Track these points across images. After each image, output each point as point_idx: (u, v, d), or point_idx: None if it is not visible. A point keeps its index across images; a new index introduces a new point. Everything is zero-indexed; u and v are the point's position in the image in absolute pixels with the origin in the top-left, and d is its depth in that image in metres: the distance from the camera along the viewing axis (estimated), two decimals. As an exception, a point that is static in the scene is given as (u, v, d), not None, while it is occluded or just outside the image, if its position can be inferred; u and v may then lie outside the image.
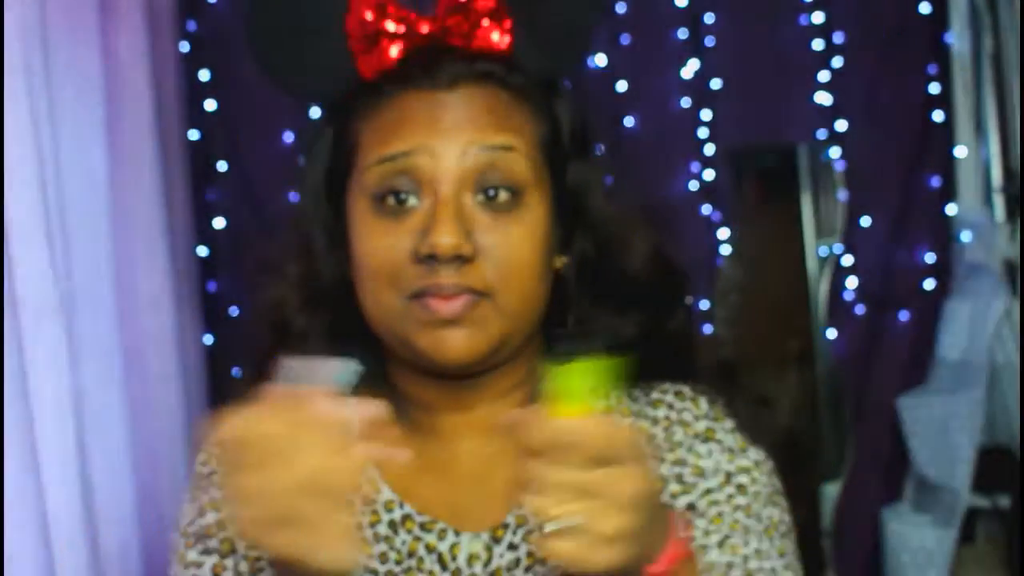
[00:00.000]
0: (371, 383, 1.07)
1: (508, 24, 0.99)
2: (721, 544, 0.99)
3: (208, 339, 2.59)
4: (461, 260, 0.92)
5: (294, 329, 1.03)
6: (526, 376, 1.04)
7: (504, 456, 1.01)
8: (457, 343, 0.94)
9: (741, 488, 1.02)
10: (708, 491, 1.01)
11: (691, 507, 1.00)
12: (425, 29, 0.98)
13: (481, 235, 0.94)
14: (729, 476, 1.01)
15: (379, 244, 0.95)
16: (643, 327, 1.04)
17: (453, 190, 0.93)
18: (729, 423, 1.04)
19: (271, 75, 1.02)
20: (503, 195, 0.95)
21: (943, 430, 2.77)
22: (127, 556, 1.85)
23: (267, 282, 1.06)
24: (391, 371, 1.04)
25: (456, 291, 0.93)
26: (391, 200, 0.95)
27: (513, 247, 0.95)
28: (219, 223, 2.72)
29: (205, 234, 2.66)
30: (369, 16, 0.98)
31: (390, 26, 0.98)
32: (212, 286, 2.70)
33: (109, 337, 1.83)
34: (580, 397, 0.77)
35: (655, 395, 1.06)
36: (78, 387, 1.54)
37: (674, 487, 1.01)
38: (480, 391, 1.01)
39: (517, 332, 0.98)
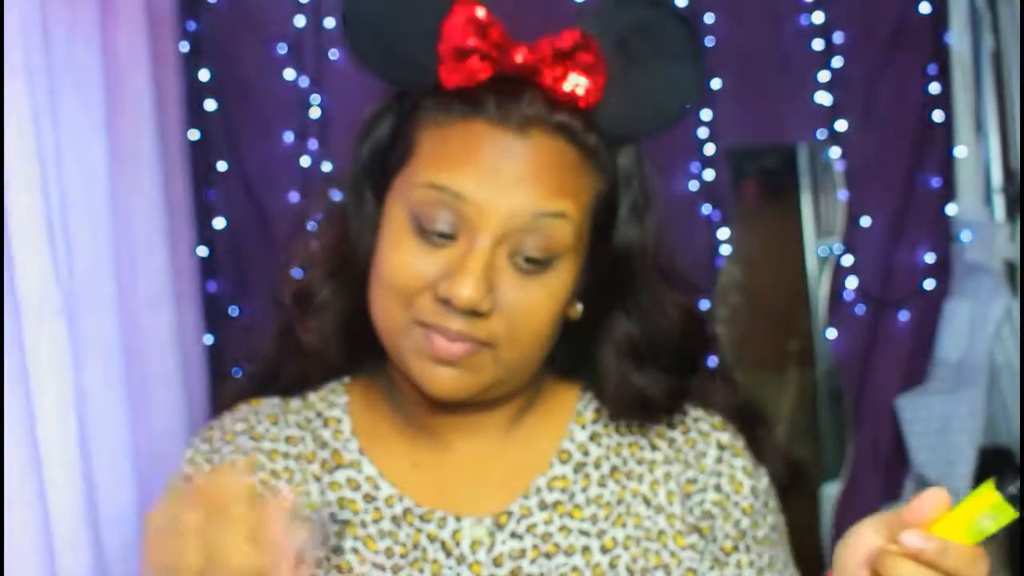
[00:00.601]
0: (371, 376, 1.09)
1: (601, 82, 0.96)
2: (770, 564, 1.05)
3: (208, 339, 2.59)
4: (474, 314, 0.92)
5: (316, 299, 1.03)
6: (522, 388, 1.04)
7: (499, 451, 1.05)
8: (447, 382, 0.95)
9: (767, 505, 1.07)
10: (750, 509, 1.04)
11: (735, 524, 1.04)
12: (519, 59, 0.95)
13: (503, 291, 0.93)
14: (764, 494, 1.06)
15: (403, 263, 0.94)
16: (671, 387, 1.05)
17: (490, 244, 0.92)
18: (742, 441, 1.07)
19: (354, 51, 0.99)
20: (534, 260, 0.94)
21: (943, 430, 2.77)
22: (129, 556, 1.85)
23: (298, 245, 1.07)
24: (392, 367, 1.04)
25: (460, 337, 0.93)
26: (428, 227, 0.93)
27: (531, 309, 0.94)
28: (219, 223, 2.71)
29: (205, 234, 2.66)
30: (468, 29, 0.94)
31: (484, 45, 0.94)
32: (212, 286, 2.69)
33: (110, 337, 1.82)
34: (976, 527, 0.79)
35: None
36: (80, 387, 1.54)
37: (713, 495, 1.03)
38: (476, 402, 1.02)
39: (510, 380, 0.98)
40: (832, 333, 2.90)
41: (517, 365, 0.97)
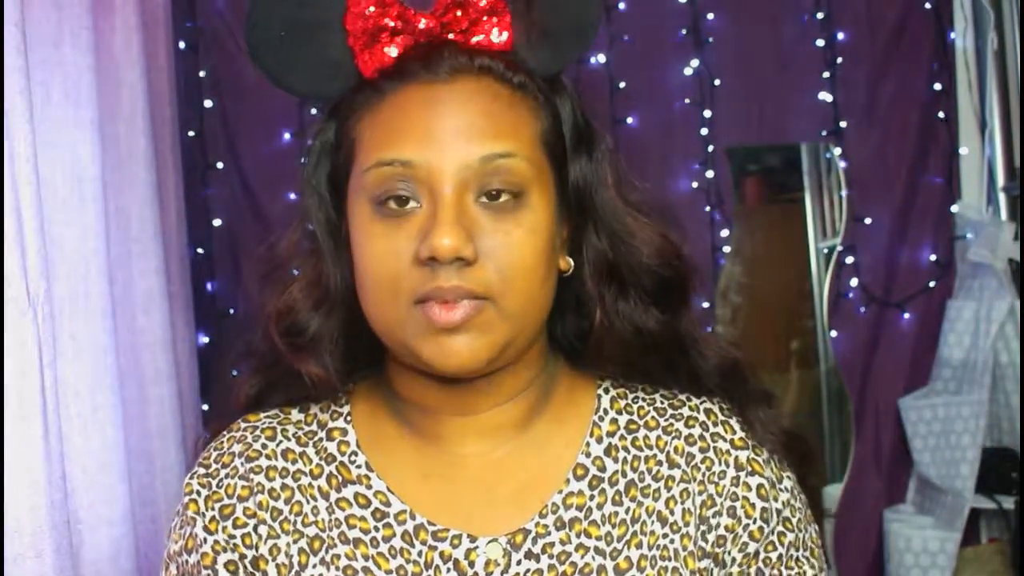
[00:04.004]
0: (371, 385, 1.06)
1: (507, 20, 0.98)
2: None
3: (204, 339, 2.59)
4: (462, 263, 0.90)
5: (308, 333, 1.01)
6: (532, 379, 1.02)
7: (511, 460, 1.01)
8: (460, 350, 0.92)
9: (787, 522, 1.03)
10: (759, 533, 1.01)
11: (742, 548, 1.01)
12: (424, 24, 0.97)
13: (483, 238, 0.92)
14: (778, 513, 1.02)
15: (380, 249, 0.93)
16: (662, 320, 1.02)
17: (454, 193, 0.91)
18: (765, 452, 1.04)
19: (269, 77, 1.00)
20: (505, 196, 0.93)
21: (946, 431, 2.76)
22: (120, 556, 1.84)
23: (276, 285, 1.04)
24: (394, 375, 1.03)
25: (457, 295, 0.91)
26: (392, 203, 0.93)
27: (515, 249, 0.92)
28: (217, 222, 2.71)
29: (203, 233, 2.66)
30: (370, 10, 0.96)
31: (389, 22, 0.97)
32: (209, 286, 2.69)
33: (102, 336, 1.82)
34: None
35: (686, 412, 1.05)
36: (58, 388, 1.52)
37: (727, 520, 1.01)
38: (485, 395, 1.00)
39: (520, 335, 0.96)
40: (834, 333, 2.89)
41: (521, 314, 0.94)
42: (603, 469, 1.01)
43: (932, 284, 2.87)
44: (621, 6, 2.79)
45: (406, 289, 0.92)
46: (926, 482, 2.83)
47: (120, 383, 1.87)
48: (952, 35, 2.85)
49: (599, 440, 1.02)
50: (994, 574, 2.71)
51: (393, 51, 0.97)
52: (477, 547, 0.96)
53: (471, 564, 0.96)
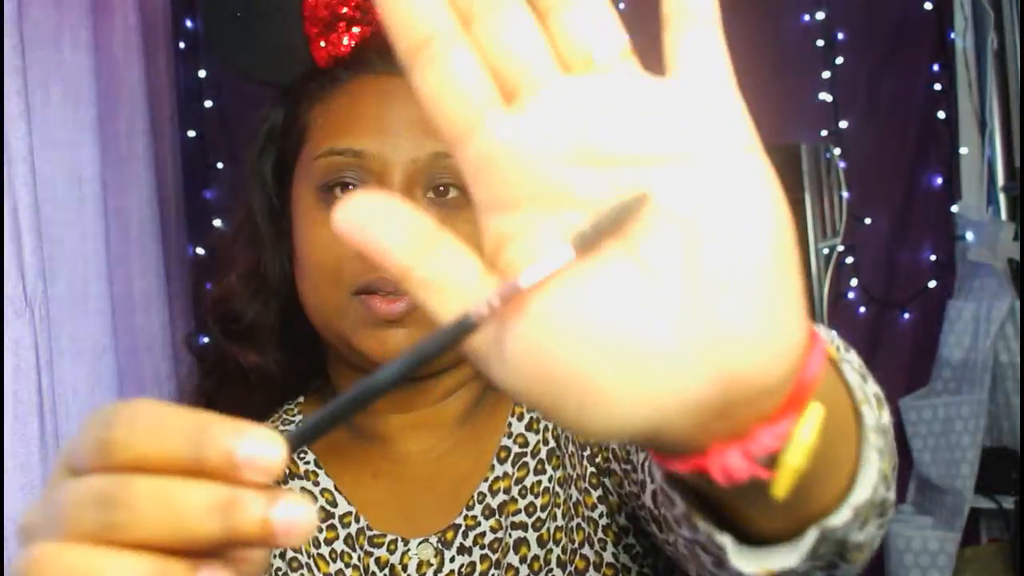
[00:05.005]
0: (322, 393, 1.04)
1: None
2: None
3: (204, 339, 2.58)
4: None
5: (244, 320, 0.99)
6: (471, 376, 1.01)
7: (451, 456, 0.99)
8: (399, 342, 0.90)
9: None
10: None
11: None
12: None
13: None
14: None
15: (324, 235, 0.91)
16: None
17: (403, 184, 0.90)
18: None
19: (223, 58, 1.00)
20: (453, 192, 0.91)
21: (946, 431, 2.75)
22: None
23: (218, 271, 1.03)
24: (335, 375, 1.01)
25: (398, 287, 0.89)
26: (338, 191, 0.91)
27: None
28: (217, 222, 2.70)
29: (203, 234, 2.65)
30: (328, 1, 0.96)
31: (347, 11, 0.96)
32: (209, 286, 2.69)
33: (102, 337, 1.82)
34: None
35: None
36: (57, 388, 1.52)
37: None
38: (425, 392, 0.98)
39: None
40: (834, 333, 2.88)
41: None
42: (525, 444, 0.98)
43: (932, 284, 2.87)
44: (621, 6, 2.78)
45: (347, 277, 0.90)
46: (926, 482, 2.82)
47: (119, 383, 1.87)
48: (952, 35, 2.84)
49: (520, 418, 1.00)
50: (994, 574, 2.70)
51: (349, 40, 0.96)
52: (410, 550, 0.94)
53: (404, 567, 0.93)
